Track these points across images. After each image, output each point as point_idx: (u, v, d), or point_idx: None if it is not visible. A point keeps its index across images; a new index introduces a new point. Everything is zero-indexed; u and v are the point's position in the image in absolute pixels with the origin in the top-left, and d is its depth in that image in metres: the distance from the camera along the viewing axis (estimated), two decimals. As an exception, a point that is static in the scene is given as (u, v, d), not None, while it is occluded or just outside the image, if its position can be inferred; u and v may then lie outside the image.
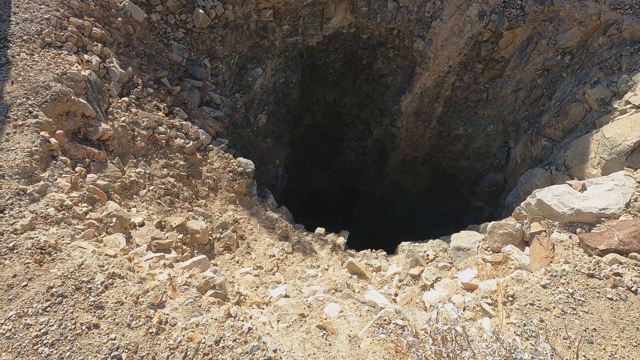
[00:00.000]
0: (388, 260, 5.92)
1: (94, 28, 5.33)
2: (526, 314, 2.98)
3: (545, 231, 4.40)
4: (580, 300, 3.03)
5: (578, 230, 4.23)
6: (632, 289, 3.08)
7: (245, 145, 8.63)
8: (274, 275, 4.99)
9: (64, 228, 3.35)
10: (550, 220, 4.53)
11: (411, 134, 10.20)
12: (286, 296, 4.14)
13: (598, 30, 6.54)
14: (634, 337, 2.79)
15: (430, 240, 5.97)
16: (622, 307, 2.96)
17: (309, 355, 2.71)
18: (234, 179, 6.01)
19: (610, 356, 2.66)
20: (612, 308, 2.96)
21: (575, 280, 3.20)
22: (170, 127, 5.70)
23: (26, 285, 2.75)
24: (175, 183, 5.30)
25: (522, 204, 5.04)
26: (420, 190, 11.67)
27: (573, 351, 2.55)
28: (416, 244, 5.96)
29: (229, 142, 6.69)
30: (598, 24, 6.52)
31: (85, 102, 4.54)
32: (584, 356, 2.67)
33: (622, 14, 6.21)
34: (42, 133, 3.91)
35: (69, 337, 2.51)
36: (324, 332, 2.92)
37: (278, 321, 3.11)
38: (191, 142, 5.78)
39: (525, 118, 8.09)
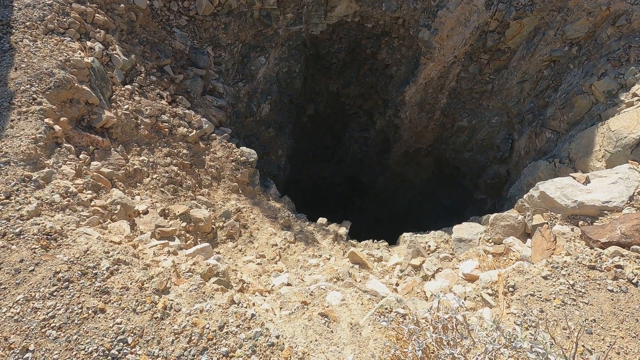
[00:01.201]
0: (389, 251, 5.95)
1: (97, 14, 5.28)
2: (526, 304, 3.00)
3: (547, 223, 4.41)
4: (580, 291, 3.05)
5: (580, 223, 4.22)
6: (633, 281, 3.09)
7: (247, 134, 8.62)
8: (276, 264, 5.03)
9: (69, 214, 3.38)
10: (552, 213, 4.53)
11: (414, 125, 10.14)
12: (288, 284, 4.18)
13: (607, 21, 6.43)
14: (633, 328, 2.81)
15: (432, 231, 5.99)
16: (622, 299, 2.98)
17: (311, 342, 2.75)
18: (236, 169, 6.03)
19: (609, 347, 2.69)
20: (612, 300, 2.98)
21: (576, 272, 3.22)
22: (174, 115, 5.69)
23: (33, 270, 2.79)
24: (178, 172, 5.32)
25: (525, 196, 5.03)
26: (422, 181, 11.66)
27: (572, 341, 2.58)
28: (418, 235, 5.99)
29: (232, 132, 6.68)
30: (607, 15, 6.40)
31: (88, 89, 4.54)
32: (583, 346, 2.71)
33: (632, 4, 6.09)
34: (46, 120, 3.92)
35: (75, 321, 2.56)
36: (326, 319, 2.96)
37: (281, 308, 3.15)
38: (194, 131, 5.78)
39: (530, 110, 8.02)
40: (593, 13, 6.53)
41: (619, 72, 5.89)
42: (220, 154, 5.99)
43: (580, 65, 6.81)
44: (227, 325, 2.71)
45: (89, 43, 4.98)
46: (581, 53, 6.87)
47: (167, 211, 4.67)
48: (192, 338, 2.60)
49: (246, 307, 2.91)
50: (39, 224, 3.08)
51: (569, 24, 6.88)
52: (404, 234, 6.19)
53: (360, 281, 4.41)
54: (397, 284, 4.71)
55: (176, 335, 2.61)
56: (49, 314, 2.57)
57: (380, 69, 9.97)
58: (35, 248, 2.92)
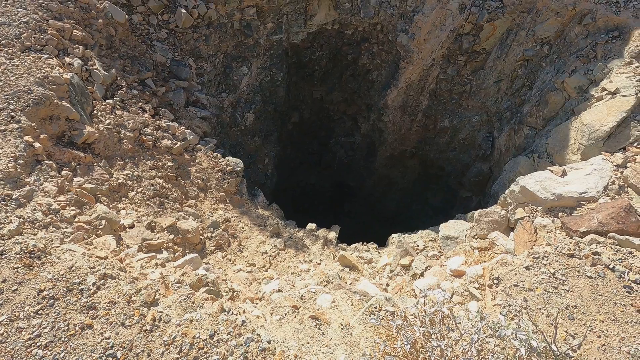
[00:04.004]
0: (379, 252, 6.01)
1: (75, 30, 5.27)
2: (511, 295, 3.09)
3: (529, 216, 4.54)
4: (561, 279, 3.16)
5: (560, 214, 4.37)
6: (610, 266, 3.22)
7: (233, 144, 8.63)
8: (266, 271, 5.03)
9: (52, 232, 3.34)
10: (533, 206, 4.67)
11: (398, 128, 10.31)
12: (279, 291, 4.19)
13: (574, 20, 6.72)
14: (612, 311, 2.92)
15: (420, 231, 6.08)
16: (600, 284, 3.10)
17: (302, 345, 2.77)
18: (223, 179, 6.02)
19: (590, 331, 2.79)
20: (591, 285, 3.09)
21: (557, 261, 3.33)
22: (157, 128, 5.68)
23: (16, 289, 2.74)
24: (164, 184, 5.29)
25: (507, 191, 5.18)
26: (409, 183, 11.82)
27: (553, 325, 2.66)
28: (406, 235, 6.07)
29: (217, 142, 6.68)
30: (574, 14, 6.70)
31: (68, 105, 4.50)
32: (566, 331, 2.80)
33: (596, 4, 6.39)
34: (25, 138, 3.87)
35: (62, 338, 2.52)
36: (317, 322, 2.98)
37: (271, 314, 3.16)
38: (178, 142, 5.77)
39: (507, 108, 8.27)
40: (560, 13, 6.82)
41: (588, 68, 6.15)
42: (206, 164, 5.98)
43: (552, 63, 7.08)
44: (218, 334, 2.70)
45: (67, 59, 4.96)
46: (552, 51, 7.15)
47: (153, 224, 4.64)
48: (183, 348, 2.59)
49: (236, 315, 2.92)
50: (21, 243, 3.03)
51: (539, 24, 7.17)
52: (393, 235, 6.27)
53: (350, 283, 4.45)
54: (387, 284, 4.76)
55: (166, 347, 2.60)
56: (35, 333, 2.52)
57: (362, 74, 10.15)
58: (17, 267, 2.87)
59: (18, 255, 2.94)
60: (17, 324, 2.56)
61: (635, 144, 4.90)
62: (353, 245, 6.33)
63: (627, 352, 2.65)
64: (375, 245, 6.37)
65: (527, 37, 7.43)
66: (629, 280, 3.11)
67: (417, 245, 5.48)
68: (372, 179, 12.05)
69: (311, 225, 6.60)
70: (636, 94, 5.15)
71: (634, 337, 2.74)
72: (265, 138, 9.66)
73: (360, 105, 10.84)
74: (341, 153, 12.11)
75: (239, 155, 7.89)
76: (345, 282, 4.31)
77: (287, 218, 6.99)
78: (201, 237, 5.06)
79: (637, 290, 3.03)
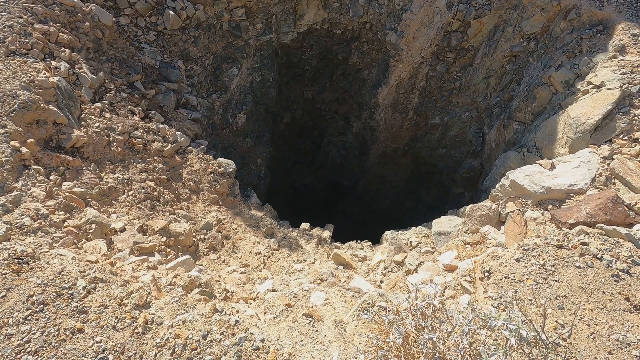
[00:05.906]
0: (373, 250, 6.03)
1: (61, 34, 5.21)
2: (501, 287, 3.12)
3: (519, 210, 4.60)
4: (551, 270, 3.20)
5: (550, 207, 4.43)
6: (598, 256, 3.27)
7: (225, 146, 8.59)
8: (260, 272, 5.01)
9: (41, 237, 3.30)
10: (523, 200, 4.73)
11: (390, 126, 10.36)
12: (273, 290, 4.18)
13: (559, 16, 6.82)
14: (601, 300, 2.97)
15: (413, 227, 6.11)
16: (589, 274, 3.14)
17: (296, 342, 2.77)
18: (215, 180, 6.00)
19: (579, 319, 2.83)
20: (580, 275, 3.14)
21: (546, 252, 3.37)
22: (147, 131, 5.64)
23: (4, 295, 2.70)
24: (155, 187, 5.25)
25: (497, 185, 5.23)
26: (402, 181, 11.88)
27: (542, 314, 2.69)
28: (399, 232, 6.10)
29: (209, 144, 6.65)
30: (559, 10, 6.79)
31: (55, 109, 4.45)
32: (556, 321, 2.83)
33: (580, -1, 6.49)
34: (12, 143, 3.82)
35: (52, 344, 2.50)
36: (311, 319, 2.99)
37: (265, 313, 3.16)
38: (169, 145, 5.73)
39: (497, 104, 8.35)
40: (546, 9, 6.91)
41: (573, 62, 6.24)
42: (198, 166, 5.95)
43: (539, 58, 7.17)
44: (211, 334, 2.69)
45: (54, 63, 4.90)
46: (538, 47, 7.24)
47: (145, 227, 4.60)
48: (176, 350, 2.58)
49: (230, 315, 2.91)
50: (9, 249, 2.99)
51: (525, 20, 7.25)
52: (386, 232, 6.29)
53: (344, 281, 4.46)
54: (381, 281, 4.78)
55: (159, 349, 2.58)
56: (24, 339, 2.49)
57: (353, 73, 10.18)
58: (5, 273, 2.83)
59: (6, 261, 2.90)
60: (6, 330, 2.52)
61: (620, 136, 4.98)
62: (347, 244, 6.34)
63: (615, 339, 2.70)
64: (369, 243, 6.38)
65: (514, 33, 7.52)
66: (616, 269, 3.16)
67: (411, 242, 5.51)
68: (366, 178, 12.09)
69: (305, 225, 6.60)
70: (620, 86, 5.24)
71: (622, 324, 2.79)
72: (258, 139, 9.64)
73: (352, 104, 10.87)
74: (334, 152, 12.13)
75: (231, 156, 7.87)
76: (339, 280, 4.32)
77: (281, 218, 6.98)
78: (194, 239, 5.03)
79: (624, 279, 3.09)
